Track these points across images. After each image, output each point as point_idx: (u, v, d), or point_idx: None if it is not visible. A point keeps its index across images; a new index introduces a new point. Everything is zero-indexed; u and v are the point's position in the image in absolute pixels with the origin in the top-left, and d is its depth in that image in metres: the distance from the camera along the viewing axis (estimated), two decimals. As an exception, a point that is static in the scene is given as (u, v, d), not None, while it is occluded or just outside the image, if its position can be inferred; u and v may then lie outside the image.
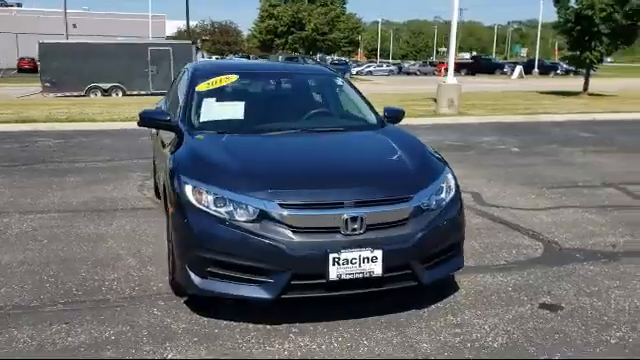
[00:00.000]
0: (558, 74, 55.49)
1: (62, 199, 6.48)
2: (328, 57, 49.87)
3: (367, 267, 3.34)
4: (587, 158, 9.68)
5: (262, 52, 50.12)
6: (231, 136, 4.18)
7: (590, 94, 23.20)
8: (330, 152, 4.12)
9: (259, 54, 56.74)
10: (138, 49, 24.61)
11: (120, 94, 23.78)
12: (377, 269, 3.36)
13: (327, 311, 3.59)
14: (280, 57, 26.80)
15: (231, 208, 3.39)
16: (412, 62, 67.14)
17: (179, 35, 56.07)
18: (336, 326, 3.47)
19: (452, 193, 3.80)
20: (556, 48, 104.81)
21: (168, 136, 4.58)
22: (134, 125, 13.09)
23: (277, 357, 3.13)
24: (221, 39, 56.25)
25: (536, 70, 52.74)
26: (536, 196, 6.91)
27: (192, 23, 37.16)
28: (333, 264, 3.28)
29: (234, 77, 4.90)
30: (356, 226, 3.33)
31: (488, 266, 4.53)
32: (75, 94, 23.10)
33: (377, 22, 79.61)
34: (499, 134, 12.60)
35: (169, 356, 3.12)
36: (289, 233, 3.29)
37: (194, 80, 4.84)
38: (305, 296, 3.40)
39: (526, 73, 48.30)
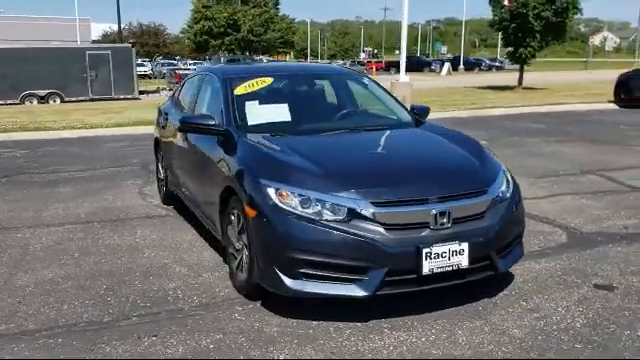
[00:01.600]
0: (482, 69, 57.81)
1: (67, 211, 6.22)
2: (257, 58, 49.57)
3: (456, 260, 3.47)
4: (552, 148, 10.24)
5: (192, 54, 49.30)
6: (289, 137, 4.20)
7: (524, 88, 24.41)
8: (396, 149, 4.22)
9: (189, 55, 55.71)
10: (75, 53, 23.62)
11: (58, 101, 22.76)
12: (464, 261, 3.50)
13: (403, 306, 3.69)
14: (222, 59, 26.39)
15: (319, 208, 3.43)
16: (341, 62, 67.98)
17: (104, 38, 54.18)
18: (423, 319, 3.57)
19: (512, 185, 4.00)
20: (477, 45, 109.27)
21: (210, 141, 4.50)
22: (95, 132, 12.82)
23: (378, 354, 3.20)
24: (150, 41, 54.83)
25: (462, 67, 54.75)
26: (529, 185, 7.26)
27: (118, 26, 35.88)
28: (426, 258, 3.39)
29: (269, 79, 4.89)
30: (444, 220, 3.45)
31: (526, 253, 4.75)
32: (9, 102, 21.92)
33: (304, 22, 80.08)
34: (460, 128, 13.02)
35: (281, 357, 3.13)
36: (382, 230, 3.37)
37: (229, 84, 4.79)
38: (398, 292, 3.48)
39: (453, 69, 50.02)
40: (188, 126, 4.56)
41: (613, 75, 19.87)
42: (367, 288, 3.38)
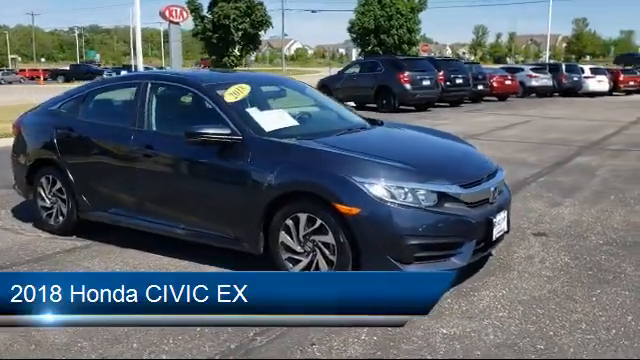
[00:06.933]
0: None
1: (-57, 262, 4.83)
2: None
3: (503, 225, 4.33)
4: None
5: None
6: (324, 139, 4.38)
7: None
8: (425, 143, 4.82)
9: None
10: None
11: None
12: (505, 226, 4.39)
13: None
14: None
15: (414, 197, 3.85)
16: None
17: None
18: (481, 279, 4.28)
19: None
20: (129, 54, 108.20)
21: (210, 153, 4.35)
22: None
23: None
24: None
25: (134, 75, 54.24)
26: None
27: None
28: (494, 227, 4.15)
29: (247, 87, 4.83)
30: (496, 194, 4.27)
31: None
32: None
33: None
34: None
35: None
36: (467, 208, 4.01)
37: (212, 91, 4.64)
38: (476, 259, 4.16)
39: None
40: (199, 137, 4.27)
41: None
42: (463, 259, 3.97)
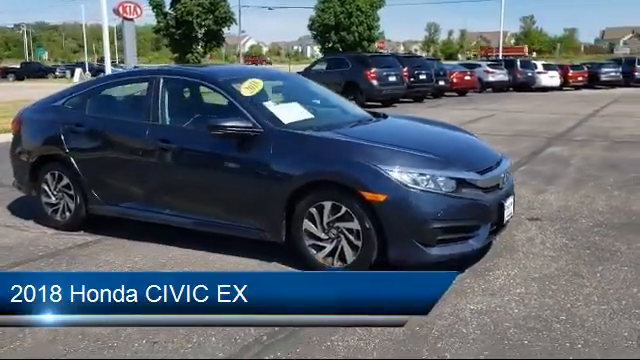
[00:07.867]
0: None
1: (-45, 260, 4.78)
2: None
3: (511, 209, 4.61)
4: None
5: None
6: (341, 130, 4.57)
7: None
8: (429, 134, 5.03)
9: None
10: None
11: None
12: (512, 210, 4.67)
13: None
14: None
15: (433, 183, 4.07)
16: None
17: None
18: (493, 259, 4.57)
19: None
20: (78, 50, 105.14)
21: (229, 146, 4.47)
22: None
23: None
24: None
25: (88, 72, 52.92)
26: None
27: None
28: (504, 211, 4.43)
29: (260, 81, 4.95)
30: (505, 181, 4.54)
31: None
32: None
33: None
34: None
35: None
36: (482, 193, 4.26)
37: (228, 85, 4.76)
38: (489, 241, 4.42)
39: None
40: (222, 130, 4.39)
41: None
42: (480, 241, 4.23)
